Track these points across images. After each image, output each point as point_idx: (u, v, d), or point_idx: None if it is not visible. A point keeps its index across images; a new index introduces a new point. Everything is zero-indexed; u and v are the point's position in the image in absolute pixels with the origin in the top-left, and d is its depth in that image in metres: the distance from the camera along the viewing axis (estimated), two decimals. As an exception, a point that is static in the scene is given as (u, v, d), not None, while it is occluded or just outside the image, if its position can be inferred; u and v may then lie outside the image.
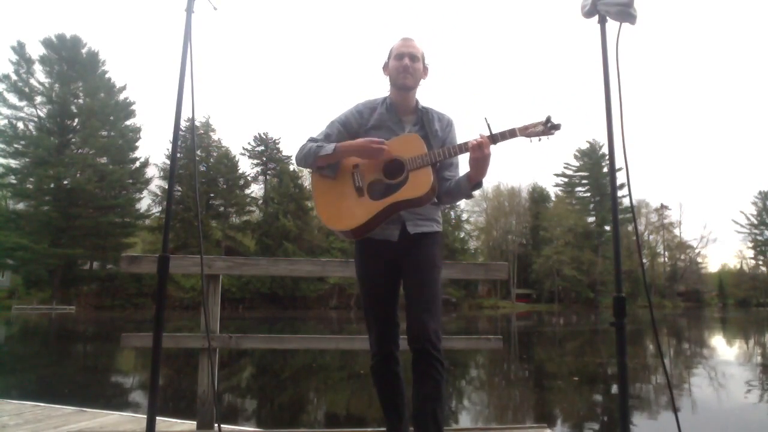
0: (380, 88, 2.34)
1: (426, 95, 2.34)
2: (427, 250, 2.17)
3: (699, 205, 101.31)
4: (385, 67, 2.28)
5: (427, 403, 1.96)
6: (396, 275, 2.19)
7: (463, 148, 2.10)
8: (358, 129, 2.25)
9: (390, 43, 2.29)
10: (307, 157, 2.18)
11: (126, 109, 48.74)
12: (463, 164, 2.24)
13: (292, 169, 56.61)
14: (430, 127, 2.23)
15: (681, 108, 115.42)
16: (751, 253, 74.28)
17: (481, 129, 2.11)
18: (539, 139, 2.05)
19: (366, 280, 2.23)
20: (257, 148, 58.26)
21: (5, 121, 43.71)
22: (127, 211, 48.54)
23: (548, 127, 2.03)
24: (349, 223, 2.12)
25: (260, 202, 56.66)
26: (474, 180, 2.11)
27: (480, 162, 2.05)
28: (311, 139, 2.23)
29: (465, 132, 2.28)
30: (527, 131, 2.05)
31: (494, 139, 2.07)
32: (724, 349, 15.46)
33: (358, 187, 2.14)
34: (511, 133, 2.07)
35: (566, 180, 71.28)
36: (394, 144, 2.15)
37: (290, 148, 61.49)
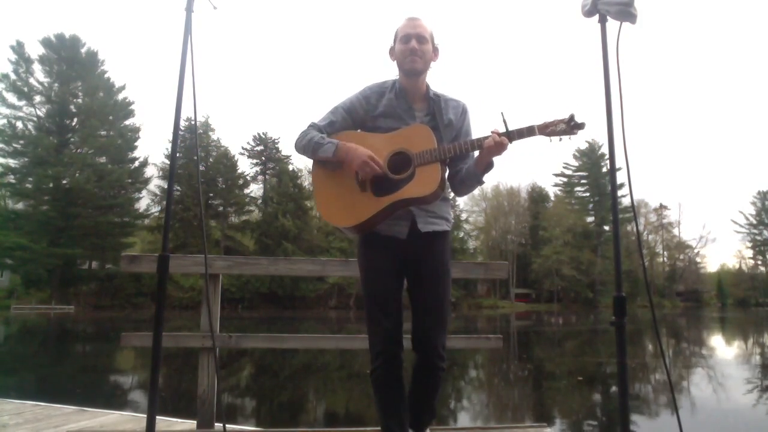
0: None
1: (435, 81, 2.16)
2: (440, 255, 2.07)
3: (698, 205, 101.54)
4: (392, 52, 2.11)
5: (425, 399, 2.12)
6: (402, 272, 2.07)
7: (476, 145, 1.95)
8: (364, 116, 2.10)
9: (389, 37, 2.12)
10: (306, 149, 2.07)
11: (125, 109, 48.68)
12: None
13: (291, 168, 56.63)
14: (441, 117, 2.08)
15: (681, 108, 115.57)
16: (750, 252, 74.47)
17: (493, 124, 1.94)
18: (560, 139, 1.87)
19: (372, 275, 2.06)
20: (256, 148, 58.22)
21: (4, 121, 43.69)
22: (127, 210, 48.50)
23: (571, 126, 1.85)
24: (349, 221, 1.99)
25: (259, 201, 56.60)
26: (482, 164, 1.99)
27: (494, 153, 1.93)
28: (312, 125, 2.09)
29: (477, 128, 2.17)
30: (547, 130, 1.87)
31: (510, 136, 1.90)
32: (723, 348, 15.47)
33: (360, 182, 1.99)
34: (529, 131, 1.89)
35: (565, 180, 71.26)
36: (401, 135, 2.01)
37: (290, 148, 61.34)
